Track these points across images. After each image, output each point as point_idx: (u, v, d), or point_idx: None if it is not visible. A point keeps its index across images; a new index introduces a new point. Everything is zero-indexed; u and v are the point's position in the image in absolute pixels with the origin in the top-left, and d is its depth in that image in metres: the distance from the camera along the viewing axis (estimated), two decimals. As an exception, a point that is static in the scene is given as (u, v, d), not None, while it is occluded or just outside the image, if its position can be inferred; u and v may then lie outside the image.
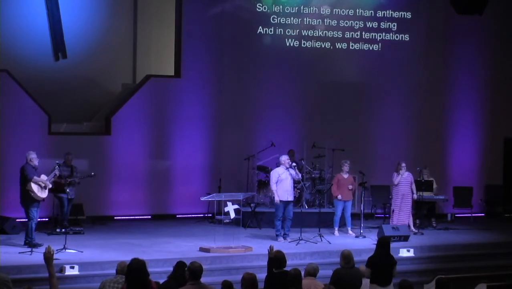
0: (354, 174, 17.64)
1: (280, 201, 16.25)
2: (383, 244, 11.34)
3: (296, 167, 16.52)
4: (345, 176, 17.32)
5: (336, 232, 17.29)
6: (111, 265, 12.66)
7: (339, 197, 17.17)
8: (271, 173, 16.65)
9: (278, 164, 16.63)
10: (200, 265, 8.78)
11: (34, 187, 14.73)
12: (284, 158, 16.48)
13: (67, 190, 15.90)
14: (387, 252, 11.26)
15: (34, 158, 14.97)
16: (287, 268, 9.72)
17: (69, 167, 16.57)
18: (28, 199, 14.79)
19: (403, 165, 17.72)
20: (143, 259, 7.84)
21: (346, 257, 10.67)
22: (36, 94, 18.31)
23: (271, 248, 10.06)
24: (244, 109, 19.95)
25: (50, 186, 15.11)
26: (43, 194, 14.86)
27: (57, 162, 16.02)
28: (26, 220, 14.98)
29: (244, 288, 8.91)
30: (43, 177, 14.93)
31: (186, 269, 8.92)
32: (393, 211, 17.80)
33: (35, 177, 14.78)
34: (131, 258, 8.18)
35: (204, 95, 19.71)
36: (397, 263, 11.37)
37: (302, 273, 9.60)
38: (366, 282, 10.91)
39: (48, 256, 7.45)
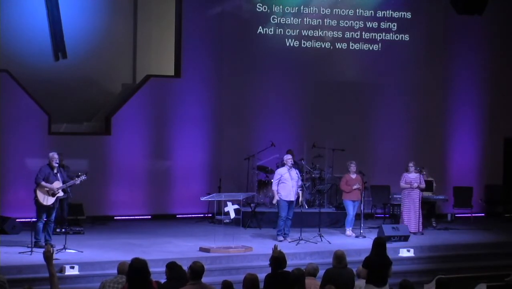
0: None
1: (284, 200, 16.24)
2: (379, 244, 11.32)
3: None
4: (353, 176, 17.31)
5: (347, 232, 17.24)
6: (111, 265, 12.69)
7: (355, 187, 17.13)
8: (275, 172, 16.72)
9: (278, 164, 16.63)
10: (202, 265, 8.78)
11: (39, 193, 14.64)
12: (286, 158, 16.52)
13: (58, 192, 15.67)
14: (383, 252, 11.24)
15: (53, 158, 14.77)
16: (287, 268, 9.72)
17: (61, 167, 16.36)
18: (36, 201, 14.76)
19: (410, 164, 17.75)
20: (144, 259, 7.84)
21: (339, 257, 10.66)
22: (36, 94, 18.31)
23: (275, 247, 10.07)
24: (244, 109, 19.94)
25: (62, 193, 14.94)
26: (47, 201, 14.67)
27: (57, 162, 15.95)
28: (35, 219, 14.95)
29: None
30: (57, 184, 14.78)
31: (188, 268, 8.91)
32: (402, 212, 17.85)
33: (43, 182, 14.69)
34: (131, 258, 8.17)
35: (204, 95, 19.71)
36: (392, 263, 11.34)
37: (303, 273, 9.60)
38: (361, 282, 10.90)
39: (48, 255, 7.43)
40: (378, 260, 11.10)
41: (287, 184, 16.25)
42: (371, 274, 10.96)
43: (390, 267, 11.18)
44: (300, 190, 16.57)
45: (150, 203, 19.34)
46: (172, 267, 9.47)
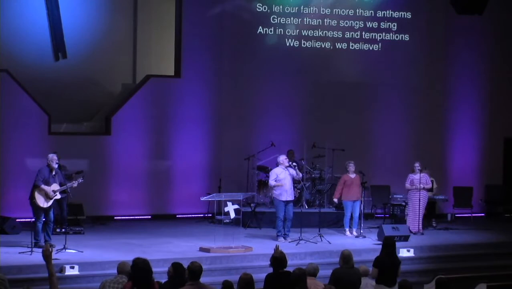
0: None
1: (280, 200, 16.26)
2: (389, 244, 11.40)
3: (296, 167, 16.53)
4: (352, 176, 17.29)
5: (347, 232, 17.27)
6: (111, 265, 12.69)
7: (335, 200, 17.22)
8: (270, 172, 16.70)
9: (277, 164, 16.64)
10: (200, 265, 8.76)
11: (36, 194, 14.61)
12: (282, 158, 16.50)
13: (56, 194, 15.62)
14: (392, 252, 11.32)
15: (53, 160, 14.74)
16: (287, 268, 9.72)
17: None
18: (33, 202, 14.73)
19: (416, 165, 17.72)
20: (145, 258, 7.87)
21: (346, 257, 10.69)
22: (36, 94, 18.31)
23: (277, 247, 10.08)
24: (244, 109, 19.95)
25: (59, 196, 14.95)
26: (45, 204, 14.66)
27: (57, 162, 15.94)
28: (33, 220, 14.93)
29: (240, 288, 8.88)
30: (54, 187, 14.76)
31: (186, 269, 8.90)
32: (407, 214, 17.83)
33: (43, 186, 14.65)
34: (131, 258, 8.17)
35: (204, 95, 19.72)
36: (401, 262, 11.41)
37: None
38: (366, 282, 10.91)
39: (46, 254, 7.43)
40: (388, 260, 11.15)
41: (283, 184, 16.24)
42: (381, 274, 11.00)
43: (399, 266, 11.24)
44: (299, 186, 16.54)
45: (150, 203, 19.34)
46: (177, 268, 9.42)
